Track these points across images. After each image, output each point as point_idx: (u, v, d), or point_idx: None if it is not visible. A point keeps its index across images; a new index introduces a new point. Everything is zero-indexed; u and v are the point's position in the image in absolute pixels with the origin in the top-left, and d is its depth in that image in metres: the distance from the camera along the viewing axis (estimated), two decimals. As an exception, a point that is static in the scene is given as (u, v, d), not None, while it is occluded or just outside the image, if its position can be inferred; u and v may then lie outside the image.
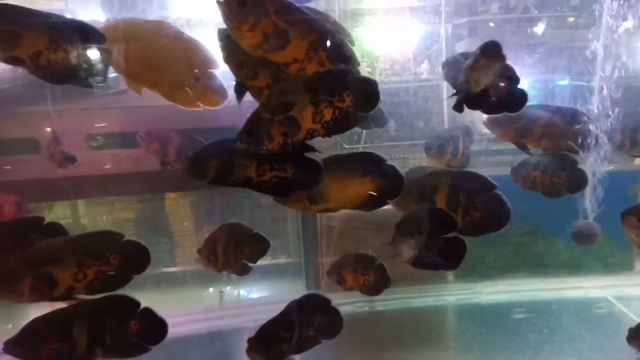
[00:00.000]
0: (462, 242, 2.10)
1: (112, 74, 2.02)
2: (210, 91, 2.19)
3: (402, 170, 2.08)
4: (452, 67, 2.19)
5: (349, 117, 1.73)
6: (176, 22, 2.28)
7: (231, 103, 2.19)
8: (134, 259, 1.88)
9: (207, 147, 1.90)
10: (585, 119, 2.66)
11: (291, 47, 1.72)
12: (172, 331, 1.97)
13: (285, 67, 1.75)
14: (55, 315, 1.80)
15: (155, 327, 1.90)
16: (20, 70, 1.77)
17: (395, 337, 3.59)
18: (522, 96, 2.10)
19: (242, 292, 4.20)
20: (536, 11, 4.41)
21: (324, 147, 1.97)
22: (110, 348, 1.80)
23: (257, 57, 1.76)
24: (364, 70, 3.71)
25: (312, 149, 1.84)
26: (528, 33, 4.37)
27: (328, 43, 1.76)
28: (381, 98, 1.77)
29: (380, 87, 1.77)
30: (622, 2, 3.08)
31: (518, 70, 2.13)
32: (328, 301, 2.19)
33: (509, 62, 1.99)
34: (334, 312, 2.18)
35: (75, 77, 1.80)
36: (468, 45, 4.12)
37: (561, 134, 2.64)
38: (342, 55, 1.79)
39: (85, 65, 1.81)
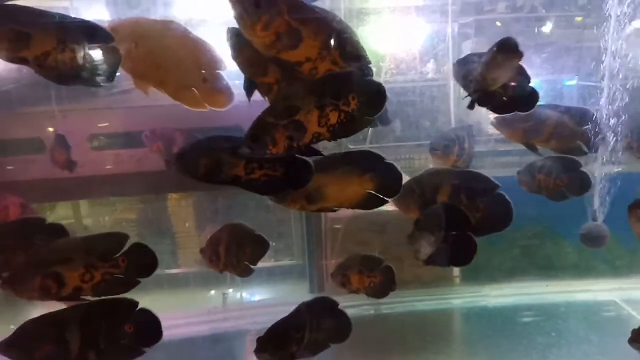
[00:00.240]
0: (473, 239, 2.08)
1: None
2: (217, 92, 2.17)
3: (409, 171, 2.06)
4: (464, 67, 2.15)
5: (354, 121, 1.73)
6: (182, 21, 2.26)
7: (235, 103, 2.18)
8: (141, 263, 1.89)
9: (196, 144, 1.89)
10: (595, 119, 2.63)
11: (304, 46, 1.72)
12: (175, 333, 1.96)
13: (298, 66, 1.75)
14: (49, 317, 1.80)
15: (149, 329, 1.89)
16: (25, 70, 1.76)
17: (401, 341, 3.58)
18: (534, 95, 2.07)
19: (245, 295, 4.18)
20: (543, 10, 4.38)
21: (329, 147, 1.95)
22: (103, 351, 1.79)
23: (270, 56, 1.76)
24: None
25: (318, 153, 1.83)
26: (535, 32, 4.34)
27: (340, 41, 1.75)
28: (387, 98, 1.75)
29: (386, 86, 1.75)
30: (630, 1, 3.04)
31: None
32: (337, 304, 2.17)
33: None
34: (343, 315, 2.17)
35: (84, 76, 1.79)
36: (474, 44, 4.10)
37: (570, 134, 2.61)
38: (354, 53, 1.78)
39: (93, 65, 1.80)
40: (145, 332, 1.88)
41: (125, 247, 1.88)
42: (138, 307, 1.87)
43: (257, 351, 1.93)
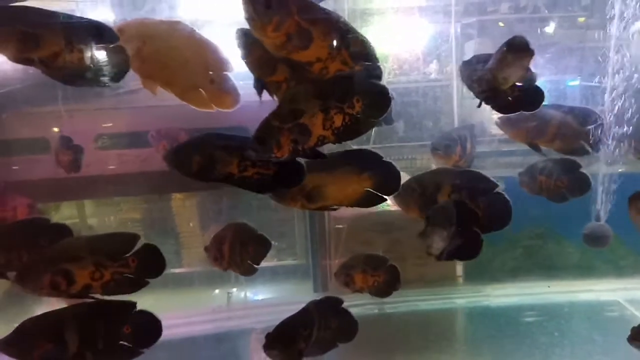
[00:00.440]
0: (479, 234, 2.09)
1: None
2: (224, 93, 2.18)
3: (411, 171, 2.07)
4: (470, 68, 2.15)
5: (359, 123, 1.74)
6: (187, 22, 2.28)
7: (241, 103, 2.19)
8: (151, 263, 1.90)
9: (189, 141, 1.90)
10: (598, 119, 2.64)
11: (314, 47, 1.72)
12: (180, 332, 1.97)
13: (308, 67, 1.75)
14: (48, 316, 1.81)
15: (148, 330, 1.90)
16: (31, 70, 1.77)
17: (404, 340, 3.58)
18: (540, 94, 2.07)
19: (249, 294, 4.19)
20: (546, 11, 4.38)
21: (332, 148, 1.96)
22: (101, 352, 1.80)
23: (281, 57, 1.76)
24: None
25: (322, 156, 1.84)
26: (538, 33, 4.33)
27: (350, 42, 1.76)
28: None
29: (389, 87, 1.76)
30: (634, 2, 3.04)
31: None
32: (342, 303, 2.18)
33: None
34: (349, 315, 2.18)
35: (91, 77, 1.80)
36: (477, 45, 4.10)
37: (574, 134, 2.61)
38: (364, 54, 1.79)
39: (101, 65, 1.81)
40: (144, 333, 1.89)
41: (136, 248, 1.89)
42: (136, 309, 1.88)
43: (266, 348, 1.95)
